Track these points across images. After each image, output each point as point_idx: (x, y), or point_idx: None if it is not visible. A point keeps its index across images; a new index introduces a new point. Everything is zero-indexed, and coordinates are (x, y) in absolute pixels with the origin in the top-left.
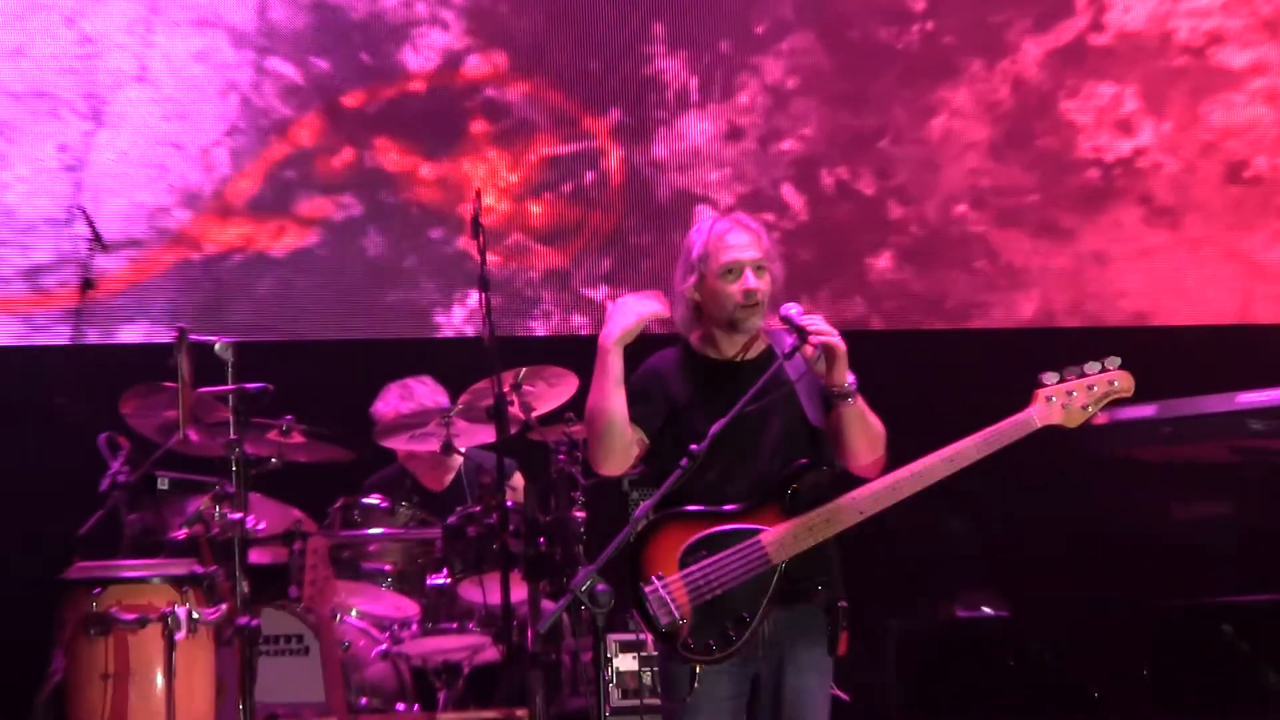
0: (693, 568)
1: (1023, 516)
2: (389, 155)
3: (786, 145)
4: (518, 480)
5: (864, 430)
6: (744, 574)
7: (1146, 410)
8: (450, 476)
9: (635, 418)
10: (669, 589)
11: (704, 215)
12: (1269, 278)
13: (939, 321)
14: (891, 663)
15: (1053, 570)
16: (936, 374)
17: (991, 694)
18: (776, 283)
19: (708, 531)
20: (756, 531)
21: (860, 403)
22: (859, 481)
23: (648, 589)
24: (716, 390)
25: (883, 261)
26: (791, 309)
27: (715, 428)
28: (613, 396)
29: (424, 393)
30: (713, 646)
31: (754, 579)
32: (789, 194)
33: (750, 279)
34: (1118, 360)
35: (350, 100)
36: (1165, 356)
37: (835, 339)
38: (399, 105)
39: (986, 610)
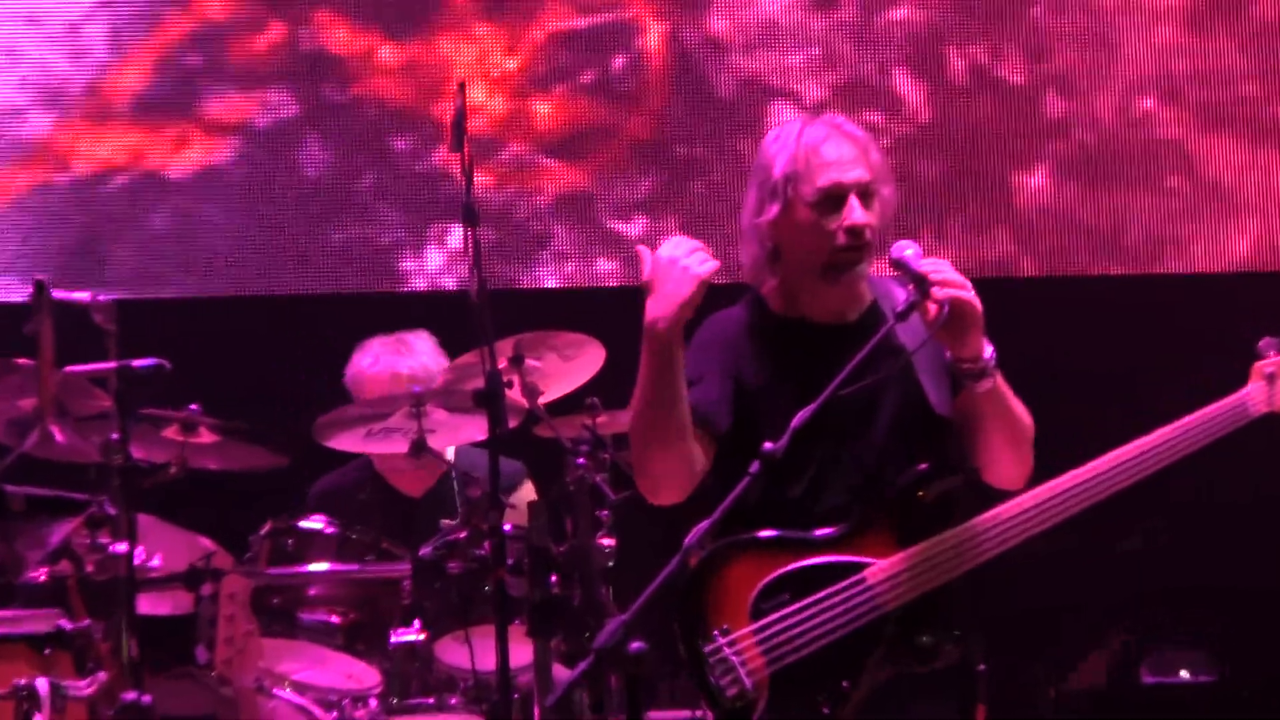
0: (771, 618)
1: (1233, 531)
2: (335, 33)
3: (899, 14)
4: (525, 494)
5: (1006, 423)
6: (843, 626)
7: None
8: (436, 478)
9: (695, 414)
10: (738, 649)
11: (786, 119)
12: None
13: (1116, 265)
14: None
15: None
16: (1112, 339)
17: None
18: (888, 214)
19: (791, 567)
20: (861, 566)
21: (1001, 384)
22: (1000, 496)
23: (708, 649)
24: (807, 366)
25: (1037, 180)
26: (907, 249)
27: (799, 418)
28: (673, 402)
29: (426, 352)
30: None
31: (857, 632)
32: (903, 85)
33: (857, 210)
34: None
35: None
36: None
37: (968, 293)
38: None
39: (1185, 674)
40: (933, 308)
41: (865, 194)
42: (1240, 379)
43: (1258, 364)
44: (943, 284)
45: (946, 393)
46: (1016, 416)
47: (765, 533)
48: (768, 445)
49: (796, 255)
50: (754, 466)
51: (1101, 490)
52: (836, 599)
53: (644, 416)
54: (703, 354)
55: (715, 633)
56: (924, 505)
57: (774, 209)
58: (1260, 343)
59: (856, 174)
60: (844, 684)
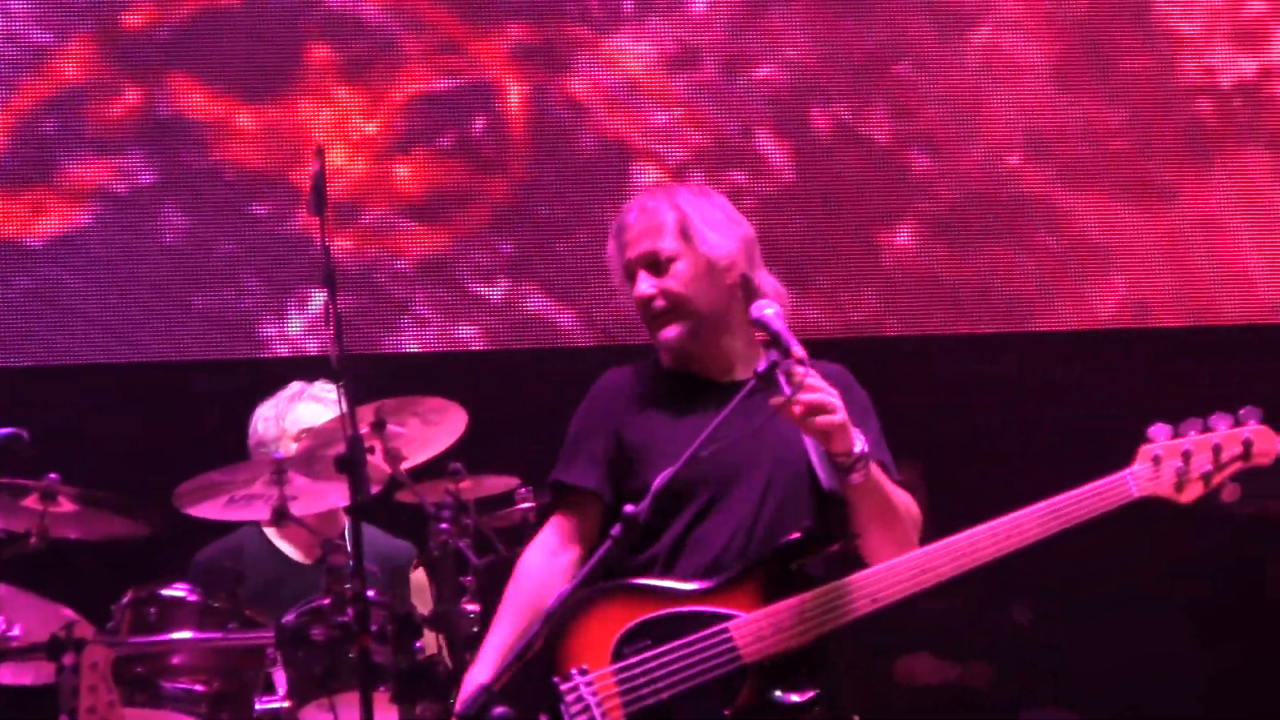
0: (630, 660)
1: (1112, 602)
2: (192, 98)
3: (762, 73)
4: (419, 575)
5: (882, 514)
6: (701, 674)
7: None
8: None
9: (587, 482)
10: (595, 689)
11: (649, 180)
12: None
13: (983, 324)
14: None
15: (1173, 678)
16: (981, 401)
17: None
18: (706, 272)
19: (657, 613)
20: (725, 617)
21: (876, 476)
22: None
23: (564, 686)
24: (689, 419)
25: (901, 238)
26: (767, 309)
27: (660, 479)
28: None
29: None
30: None
31: (715, 682)
32: (767, 144)
33: (641, 283)
34: (1258, 412)
35: (134, 19)
36: None
37: (829, 410)
38: (204, 25)
39: None
40: (799, 351)
41: (654, 265)
42: (1112, 434)
43: (1145, 446)
44: (806, 387)
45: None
46: (893, 508)
47: (639, 580)
48: (629, 508)
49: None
50: (616, 529)
51: (975, 557)
52: (697, 647)
53: None
54: (584, 420)
55: (574, 671)
56: (802, 565)
57: (619, 281)
58: (1151, 428)
59: (643, 246)
60: None
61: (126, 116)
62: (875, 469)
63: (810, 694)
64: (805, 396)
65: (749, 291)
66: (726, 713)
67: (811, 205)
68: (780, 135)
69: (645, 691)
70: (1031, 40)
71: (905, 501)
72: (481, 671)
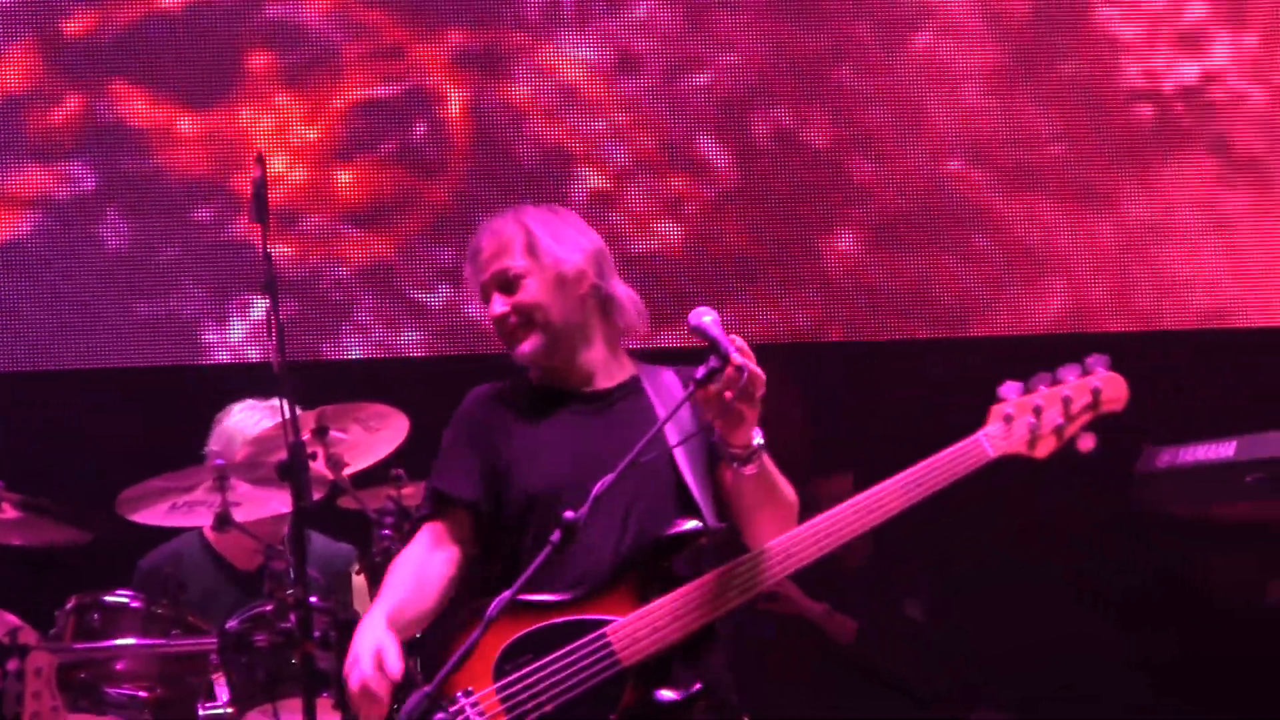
0: (512, 676)
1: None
2: (133, 104)
3: (702, 79)
4: (358, 584)
5: (772, 500)
6: (582, 682)
7: (1223, 450)
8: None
9: (465, 493)
10: (480, 709)
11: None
12: None
13: (923, 329)
14: None
15: (1095, 675)
16: (921, 407)
17: None
18: (557, 285)
19: (534, 627)
20: (601, 623)
21: (767, 464)
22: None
23: (452, 710)
24: (568, 430)
25: (843, 244)
26: (705, 316)
27: (599, 486)
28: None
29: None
30: None
31: (596, 689)
32: (708, 149)
33: (496, 303)
34: (1105, 360)
35: (74, 25)
36: (1249, 369)
37: (756, 399)
38: (144, 31)
39: None
40: (732, 368)
41: (505, 284)
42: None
43: (996, 406)
44: (742, 351)
45: (701, 463)
46: (781, 493)
47: (512, 595)
48: (569, 514)
49: None
50: (555, 535)
51: (841, 534)
52: (575, 655)
53: None
54: (457, 434)
55: (459, 695)
56: (664, 565)
57: (480, 303)
58: (1001, 387)
59: (493, 268)
60: None
61: (67, 123)
62: (766, 457)
63: (693, 688)
64: (741, 359)
65: (603, 301)
66: (611, 718)
67: (753, 210)
68: (722, 140)
69: (529, 706)
70: (973, 45)
71: (787, 485)
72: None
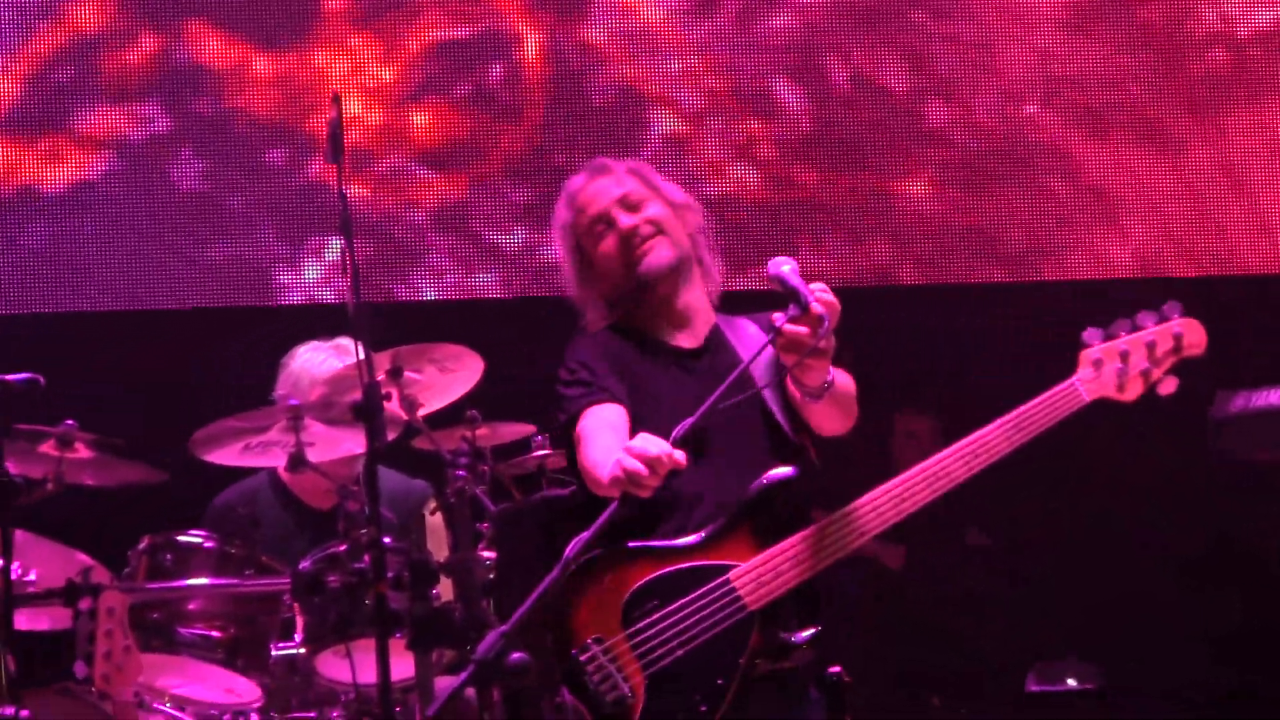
0: (641, 624)
1: (1115, 547)
2: (207, 45)
3: (778, 21)
4: (436, 521)
5: (841, 412)
6: (711, 627)
7: None
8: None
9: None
10: (612, 655)
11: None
12: None
13: (996, 272)
14: None
15: (1163, 623)
16: (991, 347)
17: None
18: (675, 214)
19: (658, 573)
20: (725, 568)
21: (837, 388)
22: (853, 495)
23: (585, 658)
24: (668, 384)
25: (917, 187)
26: (784, 265)
27: (679, 430)
28: None
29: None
30: None
31: (725, 633)
32: (782, 92)
33: (624, 219)
34: (1179, 307)
35: None
36: None
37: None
38: None
39: (1072, 682)
40: (817, 307)
41: (629, 205)
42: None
43: (1084, 351)
44: (822, 302)
45: (784, 399)
46: (847, 403)
47: (633, 543)
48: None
49: (617, 291)
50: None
51: (948, 479)
52: (703, 601)
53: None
54: (587, 360)
55: (590, 641)
56: (779, 508)
57: (576, 258)
58: (1085, 332)
59: (612, 195)
60: (719, 681)
61: (142, 64)
62: (835, 376)
63: (813, 630)
64: (824, 298)
65: (700, 254)
66: (741, 661)
67: (826, 154)
68: (795, 84)
69: (660, 652)
70: None
71: (850, 383)
72: None
